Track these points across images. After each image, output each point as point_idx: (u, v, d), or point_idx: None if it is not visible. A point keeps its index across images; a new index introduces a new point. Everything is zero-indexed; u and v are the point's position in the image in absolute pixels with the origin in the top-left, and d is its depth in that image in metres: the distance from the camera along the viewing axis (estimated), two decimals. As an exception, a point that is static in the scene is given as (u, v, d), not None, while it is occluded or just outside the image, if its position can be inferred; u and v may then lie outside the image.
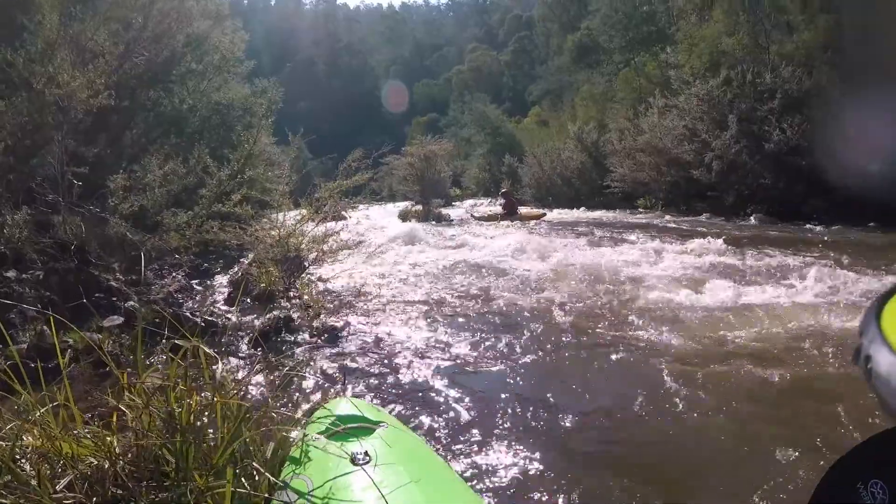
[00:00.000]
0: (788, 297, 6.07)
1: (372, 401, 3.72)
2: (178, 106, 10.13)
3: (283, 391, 3.54)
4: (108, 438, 2.00)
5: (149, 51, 8.60)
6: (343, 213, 7.90)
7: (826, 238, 11.20)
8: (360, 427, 2.21)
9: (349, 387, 4.13)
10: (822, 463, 2.83)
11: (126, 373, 2.21)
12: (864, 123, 13.13)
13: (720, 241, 9.61)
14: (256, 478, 2.00)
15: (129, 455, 1.95)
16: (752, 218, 15.43)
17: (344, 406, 2.41)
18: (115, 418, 2.09)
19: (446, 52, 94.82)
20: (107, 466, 1.91)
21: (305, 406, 2.89)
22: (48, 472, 1.89)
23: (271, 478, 1.95)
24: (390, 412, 3.41)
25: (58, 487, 1.80)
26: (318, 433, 2.17)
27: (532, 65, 60.24)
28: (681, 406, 3.64)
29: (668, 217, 17.93)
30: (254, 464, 2.04)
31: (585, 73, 36.95)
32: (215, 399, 2.09)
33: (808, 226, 13.38)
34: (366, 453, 1.95)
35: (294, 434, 2.25)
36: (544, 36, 54.62)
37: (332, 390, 4.03)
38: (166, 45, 9.44)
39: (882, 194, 11.67)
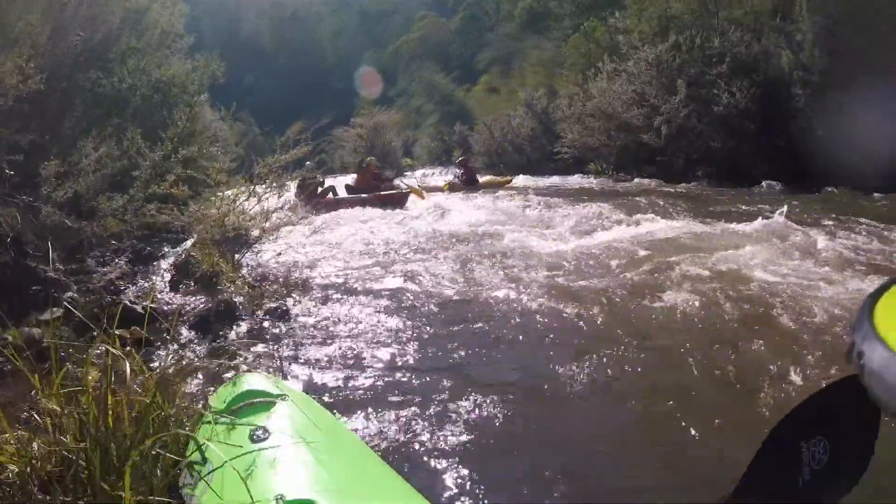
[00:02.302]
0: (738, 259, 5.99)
1: (291, 375, 3.75)
2: (118, 86, 9.63)
3: (216, 376, 3.45)
4: (33, 443, 1.96)
5: (84, 29, 8.10)
6: (285, 188, 7.66)
7: (778, 198, 11.22)
8: (261, 402, 2.21)
9: (272, 363, 4.03)
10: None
11: (50, 370, 2.16)
12: (815, 88, 13.28)
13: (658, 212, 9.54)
14: (159, 473, 1.91)
15: (53, 460, 1.91)
16: (694, 182, 15.65)
17: (247, 380, 2.41)
18: (48, 421, 2.02)
19: (394, 20, 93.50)
20: (28, 472, 1.87)
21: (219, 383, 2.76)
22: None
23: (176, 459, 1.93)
24: (310, 387, 3.55)
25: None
26: (219, 411, 2.17)
27: (481, 32, 59.66)
28: (618, 378, 3.60)
29: (617, 181, 18.13)
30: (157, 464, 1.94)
31: (535, 39, 36.81)
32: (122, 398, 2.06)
33: (755, 188, 13.48)
34: (265, 429, 1.97)
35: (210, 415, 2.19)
36: (494, 2, 54.26)
37: (262, 367, 3.90)
38: (103, 22, 8.96)
39: (830, 158, 11.82)
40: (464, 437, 2.95)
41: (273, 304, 5.39)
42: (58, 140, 7.76)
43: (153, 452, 1.93)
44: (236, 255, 6.59)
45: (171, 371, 2.54)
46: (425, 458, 2.77)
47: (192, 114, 9.21)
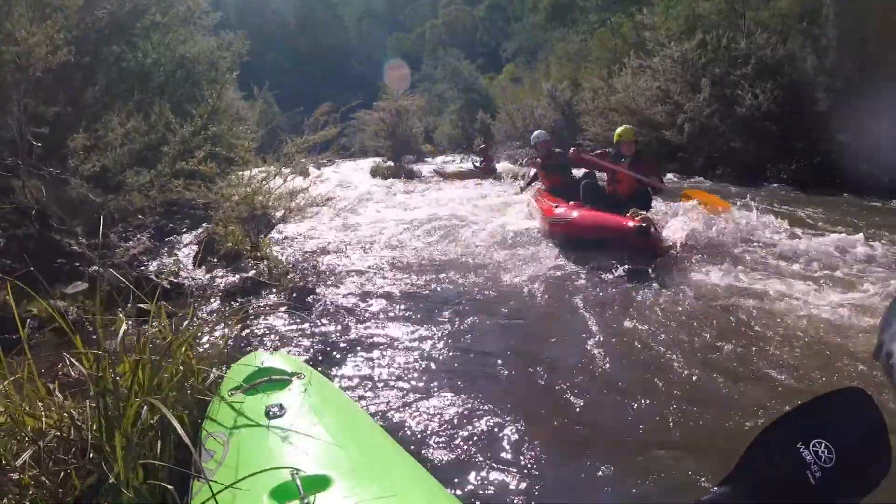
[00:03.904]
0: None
1: (307, 354, 3.81)
2: (143, 60, 9.73)
3: (236, 349, 3.54)
4: (72, 409, 1.98)
5: (112, 3, 8.21)
6: (308, 169, 7.73)
7: (792, 200, 11.28)
8: (277, 379, 2.24)
9: (294, 341, 4.16)
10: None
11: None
12: (838, 94, 13.32)
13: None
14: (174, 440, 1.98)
15: (94, 425, 1.92)
16: (717, 179, 15.66)
17: (262, 359, 2.46)
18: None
19: (420, 5, 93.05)
20: (71, 437, 1.90)
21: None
22: (15, 447, 1.87)
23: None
24: (326, 366, 3.60)
25: (18, 463, 1.77)
26: (234, 388, 2.20)
27: (507, 21, 59.47)
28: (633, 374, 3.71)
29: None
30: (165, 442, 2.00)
31: (560, 31, 36.66)
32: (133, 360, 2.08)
33: (774, 187, 13.56)
34: (280, 406, 1.98)
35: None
36: (520, -8, 53.96)
37: (283, 345, 4.05)
38: (129, -5, 9.04)
39: (852, 164, 11.92)
40: (475, 423, 3.03)
41: (296, 285, 5.52)
42: (83, 113, 7.81)
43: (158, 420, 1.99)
44: (261, 235, 6.69)
45: (192, 331, 2.63)
46: (436, 441, 2.85)
47: (221, 91, 9.33)
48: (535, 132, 9.59)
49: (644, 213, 6.48)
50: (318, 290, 5.47)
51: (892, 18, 12.39)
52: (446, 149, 39.59)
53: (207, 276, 5.84)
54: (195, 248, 6.91)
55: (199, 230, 7.59)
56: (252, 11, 73.77)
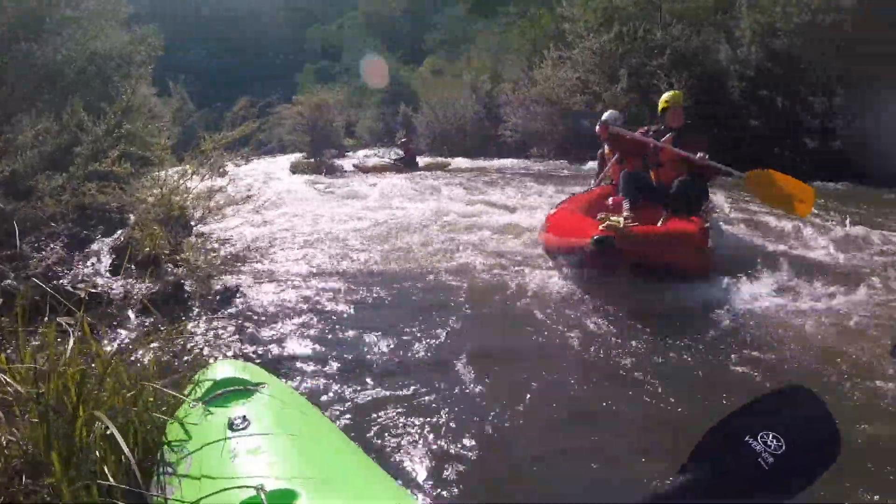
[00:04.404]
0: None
1: (258, 362, 3.55)
2: (53, 57, 9.19)
3: (172, 360, 3.31)
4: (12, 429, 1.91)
5: None
6: (225, 167, 7.47)
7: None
8: (240, 390, 2.17)
9: (233, 349, 3.99)
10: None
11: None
12: (751, 82, 13.86)
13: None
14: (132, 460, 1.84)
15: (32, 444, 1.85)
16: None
17: (223, 369, 2.37)
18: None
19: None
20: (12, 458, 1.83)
21: (186, 373, 2.71)
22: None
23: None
24: (280, 374, 3.36)
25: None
26: (196, 399, 2.13)
27: (429, 13, 59.34)
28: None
29: (559, 164, 18.62)
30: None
31: (481, 23, 36.84)
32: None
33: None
34: (244, 417, 1.92)
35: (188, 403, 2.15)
36: (442, -17, 53.94)
37: (222, 353, 3.88)
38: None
39: (766, 149, 12.44)
40: (437, 422, 2.97)
41: (221, 287, 5.30)
42: None
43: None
44: (179, 237, 6.33)
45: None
46: (401, 447, 2.77)
47: (136, 87, 8.93)
48: (609, 112, 7.15)
49: (617, 218, 5.05)
50: (242, 292, 5.29)
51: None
52: (368, 142, 39.23)
53: (126, 283, 5.45)
54: (111, 255, 6.50)
55: (116, 235, 7.23)
56: (166, 4, 71.38)
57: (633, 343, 3.96)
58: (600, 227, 4.86)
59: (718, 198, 7.63)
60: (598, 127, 6.93)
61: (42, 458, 1.79)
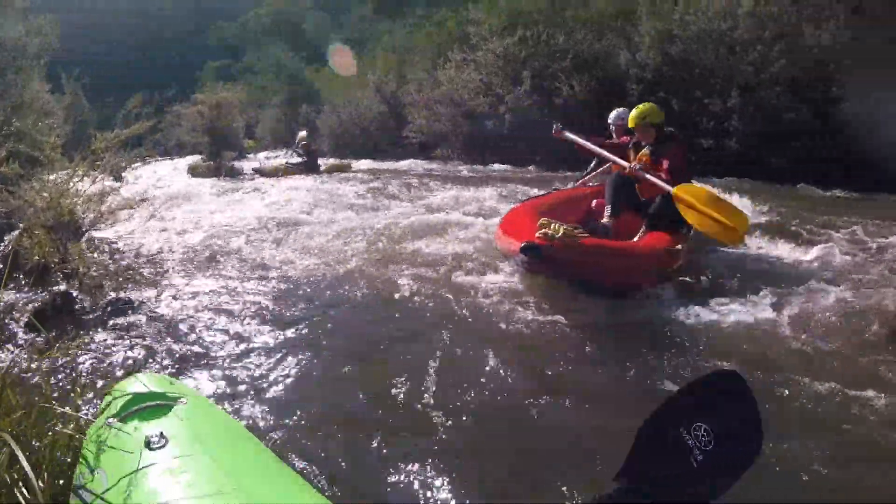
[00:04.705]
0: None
1: (175, 376, 3.38)
2: None
3: (70, 376, 3.21)
4: None
5: None
6: (122, 169, 7.09)
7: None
8: (157, 405, 2.09)
9: (145, 362, 3.74)
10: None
11: None
12: (649, 85, 14.22)
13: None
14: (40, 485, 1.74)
15: None
16: (532, 166, 16.40)
17: (140, 383, 2.25)
18: None
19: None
20: None
21: (99, 387, 2.65)
22: None
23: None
24: (196, 387, 3.29)
25: None
26: (112, 416, 2.03)
27: (334, 13, 58.71)
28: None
29: (463, 166, 18.42)
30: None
31: (387, 24, 36.72)
32: None
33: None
34: (161, 434, 1.85)
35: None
36: (349, -17, 53.57)
37: (127, 368, 3.62)
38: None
39: None
40: (362, 432, 2.87)
41: (116, 296, 5.05)
42: None
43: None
44: (70, 243, 5.92)
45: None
46: (326, 458, 2.68)
47: (27, 81, 8.36)
48: (617, 110, 7.04)
49: (557, 226, 4.43)
50: (140, 301, 5.01)
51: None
52: (269, 144, 38.36)
53: (13, 295, 5.12)
54: None
55: (4, 243, 6.70)
56: (62, -3, 67.99)
57: (568, 352, 3.79)
58: (536, 234, 4.38)
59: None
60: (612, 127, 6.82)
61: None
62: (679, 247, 4.81)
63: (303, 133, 20.94)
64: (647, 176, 5.20)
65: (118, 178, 7.04)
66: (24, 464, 1.62)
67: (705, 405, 1.71)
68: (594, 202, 6.04)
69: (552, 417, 3.00)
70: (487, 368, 3.50)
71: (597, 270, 4.47)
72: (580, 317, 4.28)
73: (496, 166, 17.06)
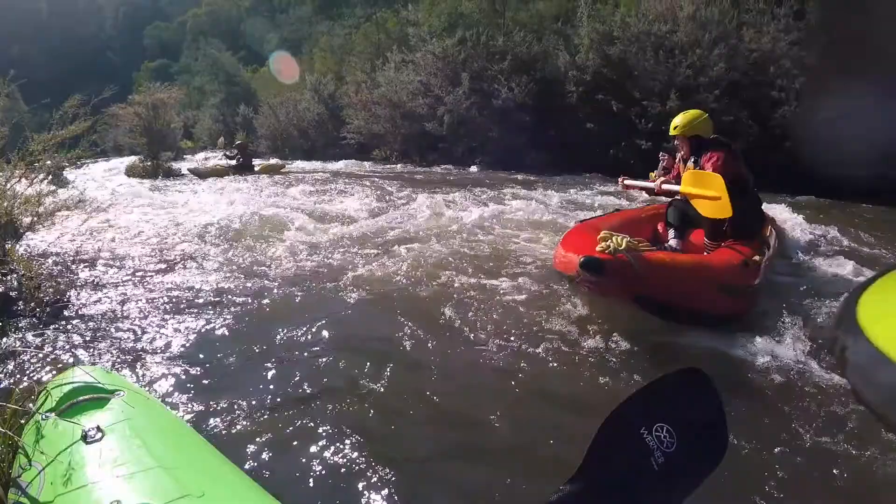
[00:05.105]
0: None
1: (113, 370, 3.14)
2: None
3: (7, 371, 3.19)
4: None
5: None
6: (62, 170, 7.07)
7: (542, 182, 11.77)
8: (94, 398, 2.07)
9: (84, 357, 3.65)
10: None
11: None
12: (587, 85, 14.16)
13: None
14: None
15: None
16: (474, 167, 16.30)
17: (77, 377, 2.24)
18: None
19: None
20: None
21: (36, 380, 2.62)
22: None
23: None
24: (130, 380, 3.18)
25: None
26: (49, 410, 2.02)
27: (273, 13, 58.03)
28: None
29: (401, 167, 18.26)
30: None
31: (326, 24, 36.42)
32: None
33: (525, 175, 13.95)
34: (98, 428, 1.83)
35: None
36: (287, -17, 53.07)
37: (64, 364, 3.50)
38: None
39: (594, 148, 12.74)
40: (298, 421, 2.81)
41: (53, 297, 4.92)
42: None
43: None
44: (6, 245, 5.77)
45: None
46: (268, 453, 2.59)
47: None
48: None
49: (620, 238, 3.98)
50: (78, 300, 4.88)
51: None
52: (207, 144, 37.71)
53: None
54: None
55: None
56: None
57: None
58: (597, 248, 3.88)
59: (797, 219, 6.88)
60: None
61: None
62: (756, 258, 4.22)
63: (244, 133, 20.64)
64: (664, 185, 4.83)
65: (60, 181, 7.03)
66: None
67: (668, 405, 1.61)
68: (660, 224, 5.44)
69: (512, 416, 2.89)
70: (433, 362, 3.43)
71: (664, 287, 3.86)
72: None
73: (435, 168, 16.85)
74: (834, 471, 2.39)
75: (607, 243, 3.88)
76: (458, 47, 17.76)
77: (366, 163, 20.56)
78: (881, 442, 2.52)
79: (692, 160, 4.85)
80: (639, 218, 5.58)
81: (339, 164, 20.08)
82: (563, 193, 9.51)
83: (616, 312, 4.04)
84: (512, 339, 3.67)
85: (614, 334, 3.65)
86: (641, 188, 5.28)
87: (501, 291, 4.54)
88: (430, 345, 3.66)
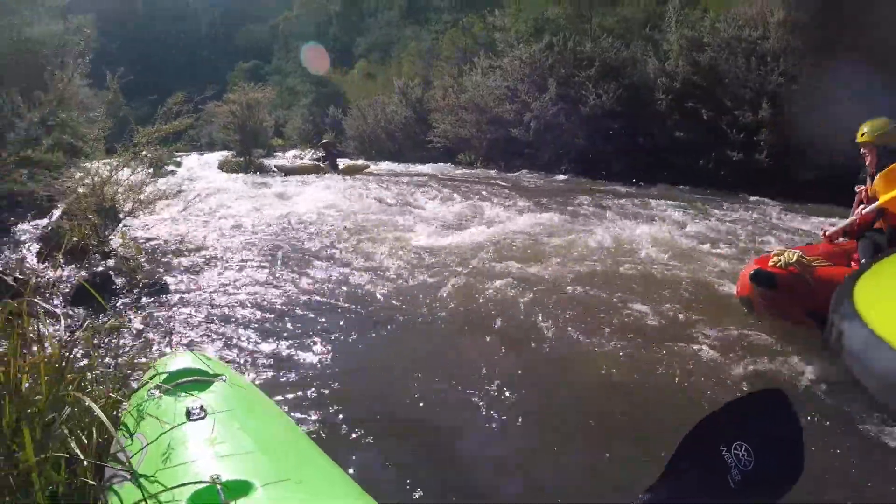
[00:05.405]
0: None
1: (214, 355, 3.43)
2: None
3: (111, 350, 3.19)
4: None
5: None
6: (166, 162, 7.63)
7: (629, 192, 11.74)
8: (197, 381, 2.17)
9: (185, 340, 3.92)
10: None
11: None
12: (677, 93, 14.01)
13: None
14: (86, 442, 1.83)
15: None
16: (561, 174, 16.13)
17: (182, 359, 2.36)
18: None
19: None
20: None
21: (141, 361, 2.67)
22: None
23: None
24: (233, 366, 3.37)
25: None
26: (154, 389, 2.11)
27: (362, 17, 59.07)
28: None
29: (487, 172, 18.26)
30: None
31: (414, 29, 36.83)
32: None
33: (616, 184, 13.78)
34: (201, 407, 1.92)
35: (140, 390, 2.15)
36: (376, -11, 53.89)
37: (166, 345, 3.80)
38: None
39: (683, 158, 12.60)
40: (397, 423, 2.92)
41: (150, 279, 5.24)
42: None
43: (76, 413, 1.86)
44: (109, 228, 6.34)
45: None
46: (355, 442, 2.72)
47: (73, 76, 8.57)
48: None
49: (793, 252, 3.91)
50: (174, 283, 5.24)
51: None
52: (297, 143, 38.67)
53: (53, 271, 5.32)
54: (38, 243, 6.36)
55: (43, 223, 7.11)
56: (102, -2, 68.74)
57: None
58: (769, 263, 3.85)
59: None
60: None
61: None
62: None
63: (332, 134, 21.20)
64: (864, 211, 4.19)
65: (161, 172, 7.56)
66: (100, 415, 1.70)
67: (748, 424, 1.64)
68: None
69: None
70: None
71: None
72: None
73: (521, 173, 16.90)
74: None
75: (779, 258, 3.90)
76: (546, 53, 17.63)
77: (451, 166, 20.69)
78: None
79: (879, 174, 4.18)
80: (835, 252, 4.70)
81: (425, 168, 20.32)
82: (673, 211, 9.13)
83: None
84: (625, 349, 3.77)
85: (707, 350, 3.72)
86: (844, 230, 4.54)
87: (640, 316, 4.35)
88: (543, 352, 3.80)
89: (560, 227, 7.48)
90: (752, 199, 10.59)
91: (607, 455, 2.69)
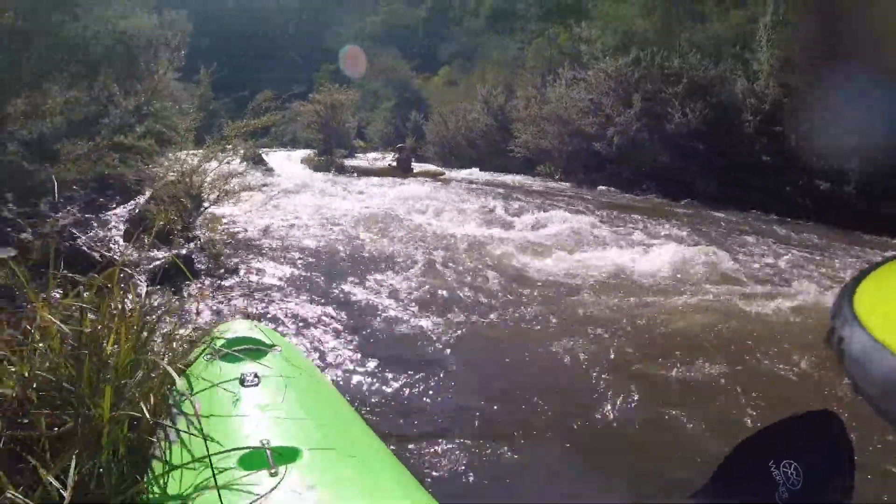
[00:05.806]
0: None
1: (273, 326, 3.75)
2: (82, 32, 9.24)
3: (181, 321, 3.42)
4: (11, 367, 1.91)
5: None
6: (260, 155, 7.85)
7: (719, 217, 11.58)
8: (253, 349, 2.24)
9: (247, 311, 4.22)
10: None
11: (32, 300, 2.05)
12: (765, 115, 13.73)
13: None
14: (151, 400, 1.90)
15: (35, 382, 1.84)
16: (644, 193, 15.86)
17: (239, 327, 2.45)
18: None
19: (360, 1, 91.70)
20: (11, 395, 1.81)
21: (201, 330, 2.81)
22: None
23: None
24: (287, 338, 3.47)
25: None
26: (210, 354, 2.20)
27: (446, 24, 59.45)
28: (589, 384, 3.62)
29: (566, 185, 18.23)
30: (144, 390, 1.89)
31: (498, 38, 36.94)
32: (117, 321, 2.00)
33: (700, 208, 13.52)
34: (255, 375, 1.98)
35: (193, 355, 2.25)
36: (463, -4, 54.26)
37: (229, 315, 4.10)
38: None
39: (772, 183, 12.34)
40: (441, 405, 3.04)
41: (231, 264, 5.64)
42: (20, 80, 7.42)
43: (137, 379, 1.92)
44: (193, 214, 6.71)
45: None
46: (401, 422, 2.85)
47: (168, 69, 9.06)
48: None
49: None
50: (252, 269, 5.59)
51: (818, 47, 12.87)
52: (378, 146, 39.24)
53: (139, 252, 5.65)
54: (125, 224, 6.70)
55: (130, 206, 7.43)
56: (193, -8, 70.94)
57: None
58: None
59: None
60: None
61: (83, 390, 1.79)
62: None
63: (412, 139, 21.61)
64: None
65: (249, 165, 7.90)
66: (175, 376, 1.79)
67: (799, 443, 1.62)
68: None
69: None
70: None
71: None
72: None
73: (601, 189, 16.80)
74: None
75: None
76: (632, 67, 17.43)
77: (527, 178, 20.63)
78: None
79: None
80: None
81: (505, 178, 20.40)
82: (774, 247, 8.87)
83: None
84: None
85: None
86: None
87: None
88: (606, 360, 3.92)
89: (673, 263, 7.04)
90: (836, 231, 10.32)
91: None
